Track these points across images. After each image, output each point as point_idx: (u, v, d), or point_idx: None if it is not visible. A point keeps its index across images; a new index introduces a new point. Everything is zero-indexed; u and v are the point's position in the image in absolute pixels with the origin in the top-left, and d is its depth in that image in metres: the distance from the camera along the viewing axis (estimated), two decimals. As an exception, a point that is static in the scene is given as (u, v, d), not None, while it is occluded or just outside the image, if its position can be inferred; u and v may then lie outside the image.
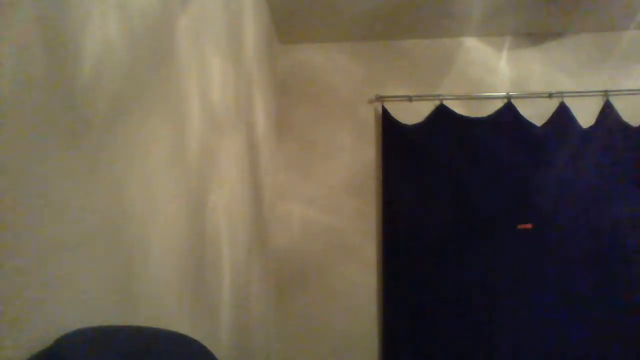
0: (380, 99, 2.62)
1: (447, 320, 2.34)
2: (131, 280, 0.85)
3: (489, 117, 2.51)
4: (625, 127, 2.43)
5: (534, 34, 2.62)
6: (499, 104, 2.54)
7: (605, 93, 2.50)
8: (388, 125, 2.55)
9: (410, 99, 2.60)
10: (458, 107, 2.57)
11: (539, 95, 2.55)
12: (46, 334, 0.59)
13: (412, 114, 2.58)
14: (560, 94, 2.52)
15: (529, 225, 2.36)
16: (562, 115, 2.48)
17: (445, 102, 2.56)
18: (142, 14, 0.92)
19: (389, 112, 2.57)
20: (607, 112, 2.46)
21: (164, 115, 1.01)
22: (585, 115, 2.47)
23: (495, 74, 2.61)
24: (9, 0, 0.55)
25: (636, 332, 2.24)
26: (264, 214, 2.22)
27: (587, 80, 2.55)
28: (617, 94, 2.49)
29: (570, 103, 2.50)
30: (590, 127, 2.46)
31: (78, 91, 0.69)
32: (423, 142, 2.51)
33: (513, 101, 2.53)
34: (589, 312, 2.28)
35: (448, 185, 2.45)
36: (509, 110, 2.50)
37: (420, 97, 2.60)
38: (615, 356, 2.24)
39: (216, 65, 1.42)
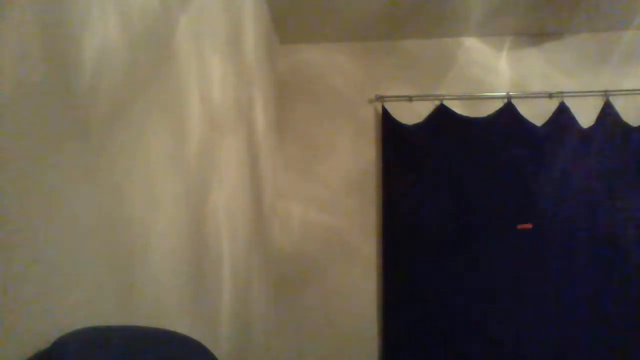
0: (380, 99, 2.62)
1: (447, 320, 2.34)
2: (131, 281, 0.85)
3: (489, 117, 2.51)
4: (625, 127, 2.43)
5: (534, 34, 2.62)
6: (499, 104, 2.54)
7: (605, 93, 2.50)
8: (388, 125, 2.55)
9: (410, 99, 2.60)
10: (458, 107, 2.57)
11: (539, 95, 2.54)
12: (46, 334, 0.59)
13: (412, 114, 2.58)
14: (560, 94, 2.52)
15: (529, 225, 2.36)
16: (562, 115, 2.48)
17: (445, 102, 2.56)
18: (142, 14, 0.92)
19: (389, 112, 2.57)
20: (607, 112, 2.46)
21: (164, 115, 1.01)
22: (585, 115, 2.47)
23: (495, 74, 2.61)
24: (9, 1, 0.55)
25: (637, 331, 2.24)
26: (264, 214, 2.22)
27: (587, 80, 2.55)
28: (617, 94, 2.49)
29: (570, 103, 2.50)
30: (590, 127, 2.46)
31: (78, 91, 0.69)
32: (423, 142, 2.51)
33: (513, 101, 2.52)
34: (589, 311, 2.28)
35: (448, 185, 2.45)
36: (509, 110, 2.50)
37: (420, 97, 2.59)
38: (615, 355, 2.24)
39: (216, 65, 1.42)
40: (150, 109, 0.94)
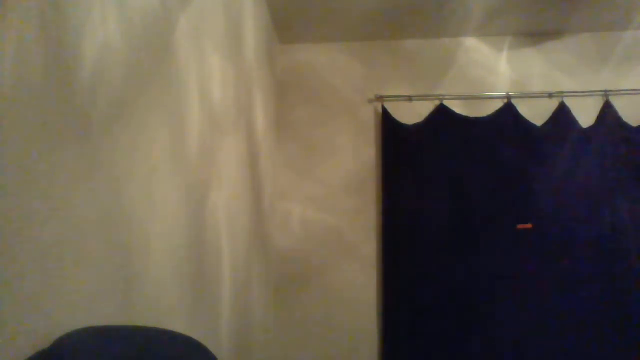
0: (380, 99, 2.62)
1: (447, 320, 2.34)
2: (131, 280, 0.85)
3: (489, 117, 2.51)
4: (625, 127, 2.43)
5: (534, 34, 2.62)
6: (499, 104, 2.54)
7: (605, 93, 2.50)
8: (388, 125, 2.55)
9: (410, 99, 2.60)
10: (458, 107, 2.57)
11: (539, 95, 2.54)
12: (46, 334, 0.59)
13: (412, 114, 2.58)
14: (560, 94, 2.52)
15: (529, 225, 2.36)
16: (562, 115, 2.48)
17: (445, 102, 2.56)
18: (142, 14, 0.92)
19: (389, 112, 2.57)
20: (607, 112, 2.46)
21: (164, 115, 1.01)
22: (585, 115, 2.47)
23: (495, 74, 2.61)
24: (9, 1, 0.55)
25: (637, 331, 2.24)
26: (264, 214, 2.22)
27: (587, 80, 2.55)
28: (617, 94, 2.49)
29: (570, 103, 2.50)
30: (590, 127, 2.46)
31: (78, 91, 0.69)
32: (423, 142, 2.51)
33: (513, 101, 2.53)
34: (589, 311, 2.28)
35: (448, 185, 2.45)
36: (509, 110, 2.50)
37: (420, 97, 2.59)
38: (615, 355, 2.24)
39: (216, 65, 1.42)
40: (150, 109, 0.94)
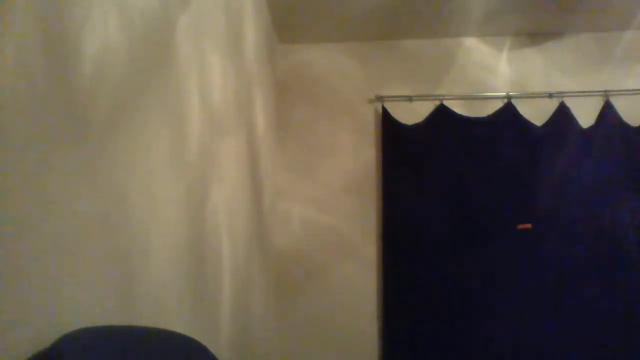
0: (380, 99, 2.62)
1: (446, 320, 2.34)
2: (131, 280, 0.85)
3: (489, 117, 2.51)
4: (625, 127, 2.43)
5: (534, 34, 2.62)
6: (499, 104, 2.54)
7: (605, 93, 2.50)
8: (388, 125, 2.55)
9: (410, 99, 2.60)
10: (458, 107, 2.57)
11: (539, 95, 2.54)
12: (46, 334, 0.59)
13: (412, 114, 2.58)
14: (560, 94, 2.52)
15: (529, 225, 2.36)
16: (562, 115, 2.48)
17: (445, 102, 2.56)
18: (142, 14, 0.92)
19: (389, 112, 2.57)
20: (607, 112, 2.46)
21: (164, 116, 1.01)
22: (585, 115, 2.47)
23: (495, 74, 2.61)
24: (9, 0, 0.55)
25: (636, 332, 2.24)
26: (264, 214, 2.22)
27: (587, 80, 2.55)
28: (617, 94, 2.49)
29: (570, 103, 2.50)
30: (590, 127, 2.46)
31: (78, 91, 0.69)
32: (423, 142, 2.51)
33: (513, 101, 2.53)
34: (589, 312, 2.28)
35: (448, 186, 2.45)
36: (509, 110, 2.50)
37: (420, 97, 2.59)
38: (616, 356, 2.23)
39: (216, 65, 1.42)
40: (150, 109, 0.94)
